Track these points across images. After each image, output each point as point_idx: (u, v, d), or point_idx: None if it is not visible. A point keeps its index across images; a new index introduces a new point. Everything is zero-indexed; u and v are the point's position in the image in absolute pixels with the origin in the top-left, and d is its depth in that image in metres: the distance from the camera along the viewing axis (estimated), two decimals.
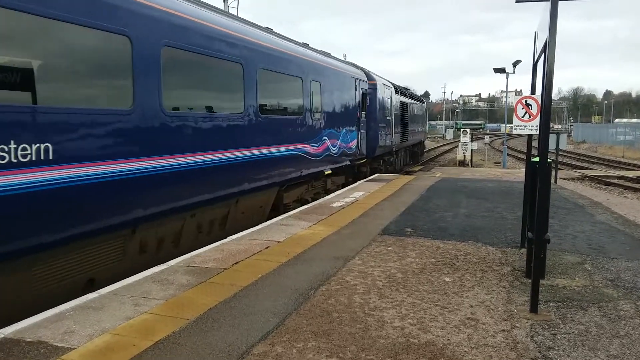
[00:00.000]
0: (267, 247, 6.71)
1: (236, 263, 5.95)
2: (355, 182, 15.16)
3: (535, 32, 6.09)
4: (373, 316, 4.38)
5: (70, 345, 3.74)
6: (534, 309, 4.50)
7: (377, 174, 17.37)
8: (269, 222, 8.53)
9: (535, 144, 6.43)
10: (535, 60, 6.08)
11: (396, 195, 11.88)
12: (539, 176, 4.64)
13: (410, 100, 25.36)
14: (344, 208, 9.89)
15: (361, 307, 4.58)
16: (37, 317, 4.26)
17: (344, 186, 14.53)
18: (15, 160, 4.43)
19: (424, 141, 33.98)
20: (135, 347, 3.73)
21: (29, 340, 3.81)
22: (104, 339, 3.87)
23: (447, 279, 5.44)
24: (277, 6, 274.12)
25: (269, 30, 10.21)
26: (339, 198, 11.29)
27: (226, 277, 5.42)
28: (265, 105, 9.19)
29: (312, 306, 4.58)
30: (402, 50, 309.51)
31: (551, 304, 4.75)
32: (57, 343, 3.77)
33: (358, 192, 12.21)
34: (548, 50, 4.19)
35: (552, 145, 16.47)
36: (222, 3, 19.01)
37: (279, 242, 7.04)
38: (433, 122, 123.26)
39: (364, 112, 16.04)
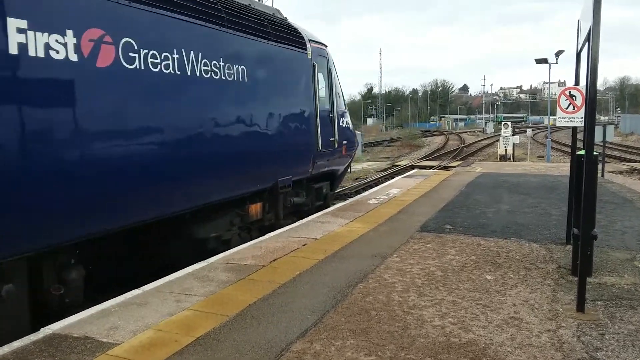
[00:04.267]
0: (304, 245, 6.73)
1: (274, 260, 6.00)
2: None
3: (578, 21, 5.85)
4: (412, 314, 4.32)
5: (115, 341, 3.85)
6: (580, 308, 4.33)
7: (415, 170, 17.17)
8: (306, 220, 8.56)
9: (580, 136, 6.19)
10: (579, 49, 5.84)
11: (434, 191, 11.70)
12: (584, 170, 4.45)
13: None
14: (381, 205, 9.82)
15: (400, 306, 4.53)
16: (84, 313, 4.41)
17: None
18: None
19: (332, 182, 10.82)
20: (177, 343, 3.81)
21: (75, 335, 3.96)
22: (148, 334, 3.98)
23: (488, 277, 5.31)
24: (310, 3, 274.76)
25: None
26: (375, 195, 11.21)
27: (265, 274, 5.47)
28: None
29: (350, 304, 4.56)
30: (439, 44, 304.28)
31: (599, 302, 4.56)
32: (102, 338, 3.90)
33: (395, 189, 12.09)
34: (592, 38, 4.01)
35: (598, 138, 15.82)
36: None
37: (316, 239, 7.05)
38: (472, 116, 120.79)
39: None
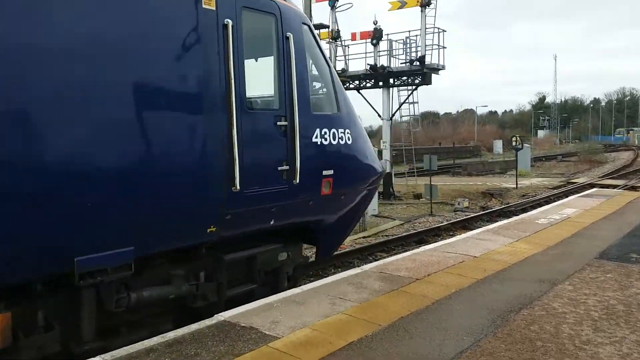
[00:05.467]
0: (461, 262, 6.44)
1: (428, 275, 5.85)
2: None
3: None
4: (585, 351, 3.84)
5: (276, 334, 4.12)
6: None
7: (595, 189, 15.33)
8: (463, 235, 8.20)
9: None
10: None
11: (619, 213, 10.27)
12: None
13: None
14: (551, 225, 8.94)
15: (571, 339, 4.06)
16: (250, 305, 4.82)
17: None
18: None
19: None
20: (331, 345, 3.93)
21: (243, 325, 4.33)
22: (304, 332, 4.18)
23: None
24: (486, 12, 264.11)
25: None
26: (545, 214, 10.26)
27: (418, 288, 5.36)
28: None
29: (512, 330, 4.23)
30: (625, 48, 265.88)
31: None
32: (265, 331, 4.20)
33: (570, 209, 10.91)
34: None
35: None
36: (420, 12, 18.91)
37: (474, 257, 6.70)
38: None
39: None
